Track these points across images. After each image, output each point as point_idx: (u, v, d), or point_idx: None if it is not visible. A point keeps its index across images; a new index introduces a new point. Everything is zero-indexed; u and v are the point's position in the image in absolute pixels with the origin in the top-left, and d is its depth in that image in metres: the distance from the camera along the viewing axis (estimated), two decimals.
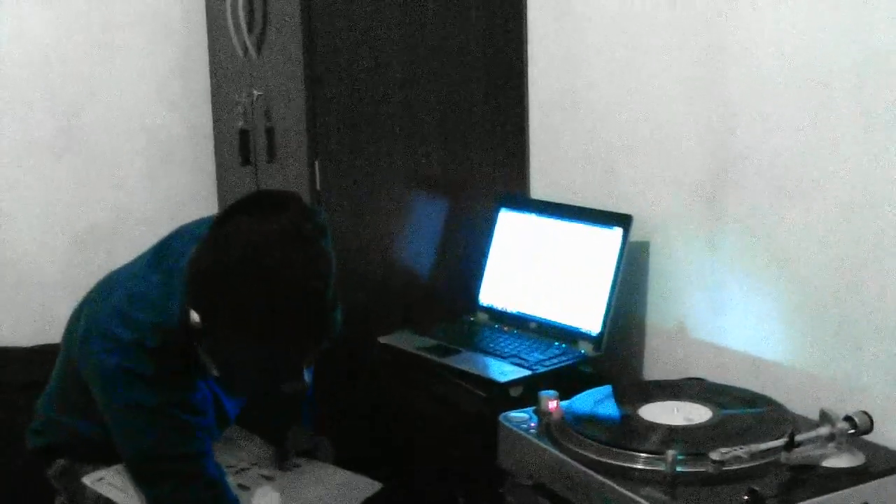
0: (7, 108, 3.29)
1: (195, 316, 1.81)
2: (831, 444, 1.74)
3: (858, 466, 1.74)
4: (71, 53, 3.36)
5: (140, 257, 2.08)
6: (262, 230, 1.75)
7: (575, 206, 2.65)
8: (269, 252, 1.73)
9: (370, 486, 2.09)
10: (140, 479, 1.91)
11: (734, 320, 2.30)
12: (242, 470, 2.06)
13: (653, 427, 1.87)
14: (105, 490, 1.94)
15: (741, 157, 2.24)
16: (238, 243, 1.75)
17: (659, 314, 2.51)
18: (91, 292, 2.12)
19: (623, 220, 2.46)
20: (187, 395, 1.91)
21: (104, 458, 2.03)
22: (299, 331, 1.76)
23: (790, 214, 2.13)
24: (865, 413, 1.75)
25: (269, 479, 2.06)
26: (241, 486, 2.00)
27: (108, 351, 1.90)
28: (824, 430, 1.75)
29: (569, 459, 1.82)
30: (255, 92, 2.99)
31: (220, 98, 3.39)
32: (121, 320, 1.91)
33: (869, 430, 1.76)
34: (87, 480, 1.97)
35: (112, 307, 1.95)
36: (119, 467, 1.99)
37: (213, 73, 3.44)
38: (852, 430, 1.74)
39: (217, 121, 3.46)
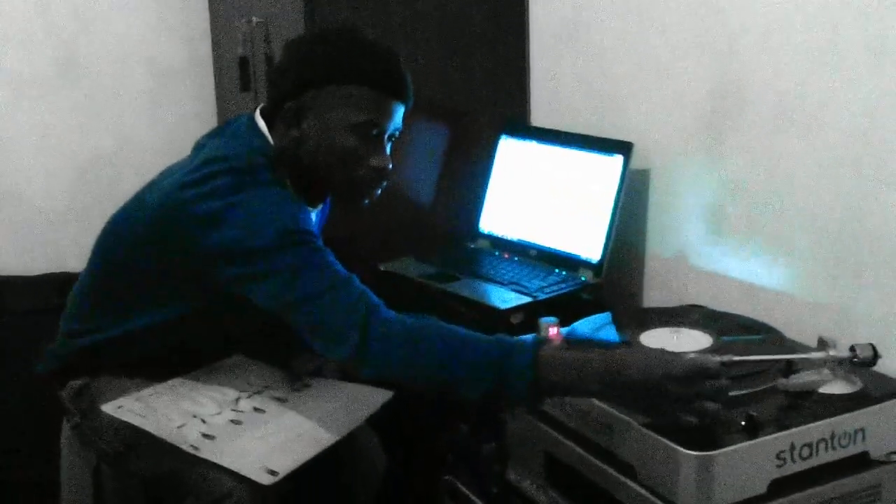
0: (6, 39, 3.28)
1: (279, 138, 1.99)
2: (826, 370, 1.76)
3: (855, 393, 1.76)
4: None
5: (174, 164, 2.08)
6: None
7: (575, 134, 2.65)
8: (357, 28, 2.07)
9: (382, 395, 2.11)
10: (277, 257, 1.83)
11: (734, 248, 2.31)
12: (256, 393, 2.08)
13: None
14: (125, 416, 1.96)
15: (743, 86, 2.23)
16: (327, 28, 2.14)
17: (659, 242, 2.53)
18: (136, 195, 2.09)
19: (624, 148, 2.46)
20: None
21: (128, 369, 2.05)
22: (386, 69, 2.00)
23: (792, 143, 2.13)
24: (871, 345, 1.75)
25: (282, 400, 2.07)
26: (256, 410, 2.02)
27: (217, 178, 1.89)
28: (821, 356, 1.77)
29: None
30: (255, 18, 2.97)
31: (220, 25, 3.36)
32: (219, 170, 1.91)
33: (872, 362, 1.76)
34: (107, 409, 1.99)
35: (199, 176, 1.92)
36: (137, 394, 2.01)
37: (212, 0, 3.42)
38: (854, 360, 1.75)
39: (216, 48, 3.44)
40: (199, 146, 2.09)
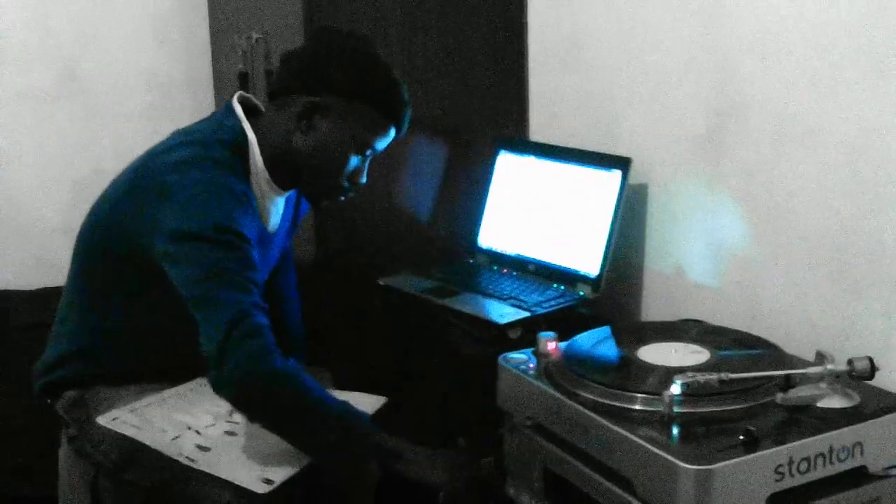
0: (5, 54, 3.28)
1: (282, 121, 2.06)
2: (824, 385, 1.75)
3: (853, 407, 1.76)
4: None
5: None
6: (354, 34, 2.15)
7: (574, 149, 2.65)
8: (367, 40, 2.13)
9: (375, 401, 2.11)
10: (204, 248, 1.88)
11: (732, 263, 2.31)
12: None
13: (651, 368, 1.89)
14: (120, 428, 1.96)
15: (741, 102, 2.23)
16: (340, 35, 2.11)
17: (657, 256, 2.53)
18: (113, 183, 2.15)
19: (622, 163, 2.46)
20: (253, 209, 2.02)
21: (122, 379, 2.07)
22: (403, 106, 2.10)
23: (790, 158, 2.13)
24: (868, 359, 1.75)
25: None
26: None
27: (180, 149, 1.99)
28: (819, 371, 1.77)
29: (567, 400, 1.83)
30: (254, 34, 2.97)
31: (219, 41, 3.37)
32: (184, 141, 2.02)
33: (869, 375, 1.75)
34: (102, 421, 1.99)
35: (168, 145, 2.04)
36: (132, 406, 2.01)
37: (212, 16, 3.42)
38: (852, 373, 1.75)
39: (216, 63, 3.45)
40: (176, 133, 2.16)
